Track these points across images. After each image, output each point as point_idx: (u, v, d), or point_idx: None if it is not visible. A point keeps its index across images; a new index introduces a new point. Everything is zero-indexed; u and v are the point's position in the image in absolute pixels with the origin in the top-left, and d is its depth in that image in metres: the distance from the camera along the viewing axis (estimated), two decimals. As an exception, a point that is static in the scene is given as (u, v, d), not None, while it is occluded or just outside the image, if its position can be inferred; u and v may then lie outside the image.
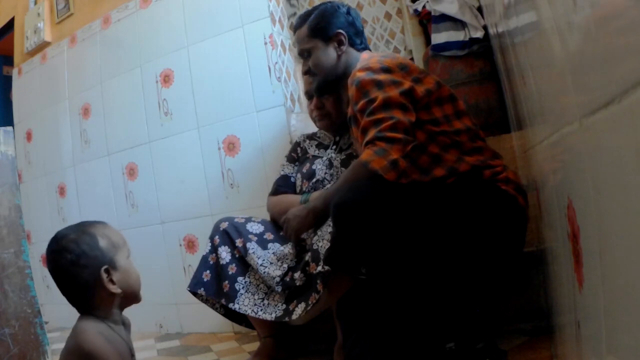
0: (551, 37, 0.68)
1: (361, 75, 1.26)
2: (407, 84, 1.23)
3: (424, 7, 2.25)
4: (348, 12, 1.47)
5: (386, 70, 1.26)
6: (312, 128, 1.82)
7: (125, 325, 1.01)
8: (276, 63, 2.08)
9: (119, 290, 0.92)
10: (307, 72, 1.50)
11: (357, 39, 1.47)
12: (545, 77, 0.83)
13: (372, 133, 1.20)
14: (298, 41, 1.50)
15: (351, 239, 1.12)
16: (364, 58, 1.40)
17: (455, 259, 1.13)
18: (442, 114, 1.26)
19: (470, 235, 1.14)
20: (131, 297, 0.97)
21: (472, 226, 1.15)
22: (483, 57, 2.06)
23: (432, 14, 2.18)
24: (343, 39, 1.43)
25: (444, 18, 2.13)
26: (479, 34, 2.07)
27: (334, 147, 1.67)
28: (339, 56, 1.44)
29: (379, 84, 1.23)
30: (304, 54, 1.49)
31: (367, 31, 2.56)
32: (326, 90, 1.52)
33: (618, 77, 0.42)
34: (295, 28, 1.51)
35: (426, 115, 1.24)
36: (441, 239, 1.12)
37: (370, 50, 1.50)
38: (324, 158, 1.65)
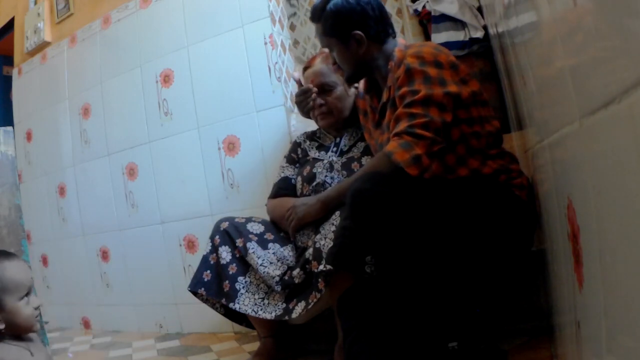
0: (551, 37, 0.68)
1: (412, 62, 1.23)
2: (454, 88, 1.21)
3: (424, 7, 2.25)
4: (358, 3, 1.34)
5: (438, 65, 1.23)
6: (313, 127, 1.82)
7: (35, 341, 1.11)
8: (276, 63, 2.08)
9: (1, 327, 1.02)
10: (335, 63, 1.46)
11: (379, 30, 1.37)
12: (545, 77, 0.83)
13: (403, 125, 1.19)
14: (317, 35, 1.45)
15: (364, 227, 1.11)
16: (401, 43, 1.37)
17: (463, 258, 1.13)
18: (478, 115, 1.26)
19: (480, 236, 1.15)
20: (21, 331, 1.06)
21: (483, 228, 1.15)
22: (483, 57, 2.06)
23: (432, 14, 2.18)
24: (360, 38, 1.36)
25: (444, 18, 2.13)
26: (479, 34, 2.07)
27: (335, 149, 1.66)
28: (360, 54, 1.38)
29: (426, 78, 1.21)
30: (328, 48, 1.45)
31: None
32: (356, 81, 1.50)
33: (618, 77, 0.41)
34: (311, 20, 1.44)
35: (464, 114, 1.24)
36: (451, 237, 1.12)
37: (394, 35, 1.43)
38: (325, 161, 1.63)
